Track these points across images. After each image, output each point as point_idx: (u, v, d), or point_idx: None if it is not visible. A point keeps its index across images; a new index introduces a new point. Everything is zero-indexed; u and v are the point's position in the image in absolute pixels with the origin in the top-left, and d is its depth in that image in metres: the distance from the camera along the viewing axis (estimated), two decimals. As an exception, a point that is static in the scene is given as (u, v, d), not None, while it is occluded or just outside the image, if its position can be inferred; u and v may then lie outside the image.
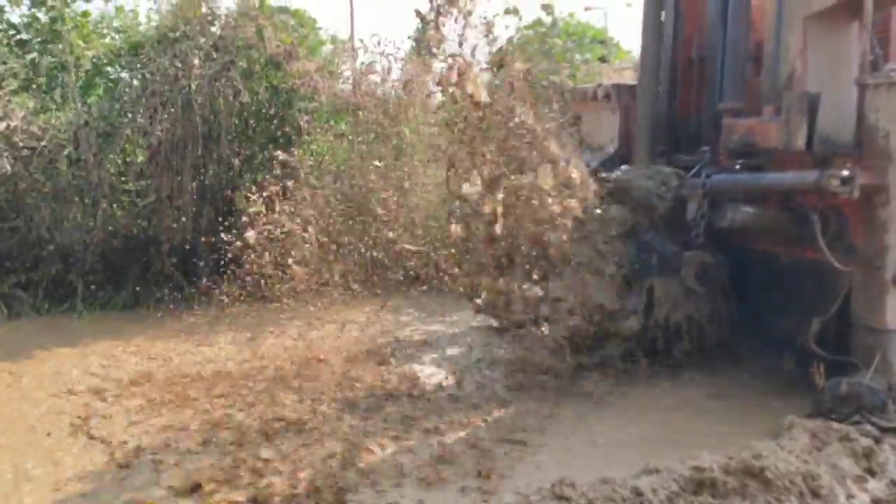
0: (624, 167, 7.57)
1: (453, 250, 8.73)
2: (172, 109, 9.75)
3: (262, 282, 8.86)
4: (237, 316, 8.66)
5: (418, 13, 7.21)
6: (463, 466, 5.20)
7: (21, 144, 9.59)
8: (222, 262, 8.77)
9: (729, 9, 7.29)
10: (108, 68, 10.84)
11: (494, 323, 8.26)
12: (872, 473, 4.97)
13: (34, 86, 10.36)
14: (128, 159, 10.13)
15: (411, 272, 9.90)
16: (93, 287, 9.41)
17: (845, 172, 5.74)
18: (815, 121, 6.12)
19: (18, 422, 6.15)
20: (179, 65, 9.83)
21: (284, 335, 8.30)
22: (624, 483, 4.43)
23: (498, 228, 6.93)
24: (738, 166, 6.81)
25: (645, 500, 4.34)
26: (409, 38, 16.21)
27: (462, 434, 5.79)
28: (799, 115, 6.16)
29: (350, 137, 10.63)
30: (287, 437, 5.66)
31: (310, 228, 8.96)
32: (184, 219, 9.71)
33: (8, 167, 9.35)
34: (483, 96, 6.81)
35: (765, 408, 6.14)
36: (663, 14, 7.93)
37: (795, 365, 6.55)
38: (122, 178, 10.09)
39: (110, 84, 10.75)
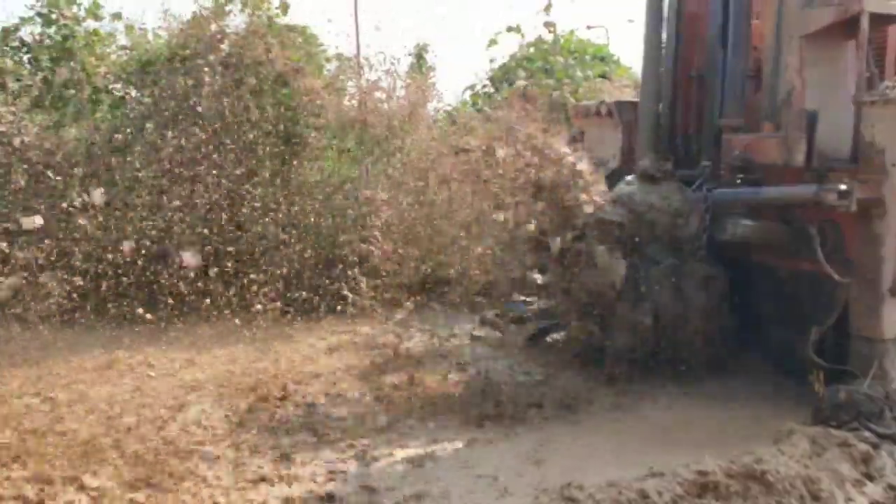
0: (629, 178, 7.72)
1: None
2: (182, 126, 9.94)
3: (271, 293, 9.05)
4: (249, 328, 8.78)
5: None
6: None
7: (34, 160, 9.77)
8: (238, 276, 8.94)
9: (729, 30, 7.47)
10: (117, 85, 11.02)
11: (498, 334, 8.44)
12: (870, 478, 5.10)
13: (46, 102, 10.55)
14: (138, 175, 10.28)
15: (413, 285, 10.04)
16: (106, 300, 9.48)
17: (843, 186, 5.90)
18: (813, 137, 6.30)
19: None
20: (189, 82, 10.01)
21: (294, 347, 8.41)
22: (630, 486, 4.56)
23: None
24: (738, 181, 6.99)
25: (650, 502, 4.47)
26: (409, 55, 16.48)
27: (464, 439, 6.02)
28: (798, 131, 6.34)
29: (354, 153, 10.81)
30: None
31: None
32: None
33: (22, 182, 9.52)
34: None
35: (765, 415, 6.28)
36: (664, 34, 8.12)
37: (795, 374, 6.69)
38: (133, 193, 10.23)
39: (119, 101, 10.94)
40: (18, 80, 10.34)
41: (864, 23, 6.18)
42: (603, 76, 14.75)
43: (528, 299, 8.96)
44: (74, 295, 8.97)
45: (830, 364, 6.30)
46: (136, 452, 5.65)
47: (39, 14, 11.12)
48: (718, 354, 7.22)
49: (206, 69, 9.94)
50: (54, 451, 5.64)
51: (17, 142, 9.61)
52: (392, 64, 11.20)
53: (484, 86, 16.59)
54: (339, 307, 9.46)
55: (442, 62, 18.45)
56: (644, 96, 8.11)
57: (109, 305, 9.09)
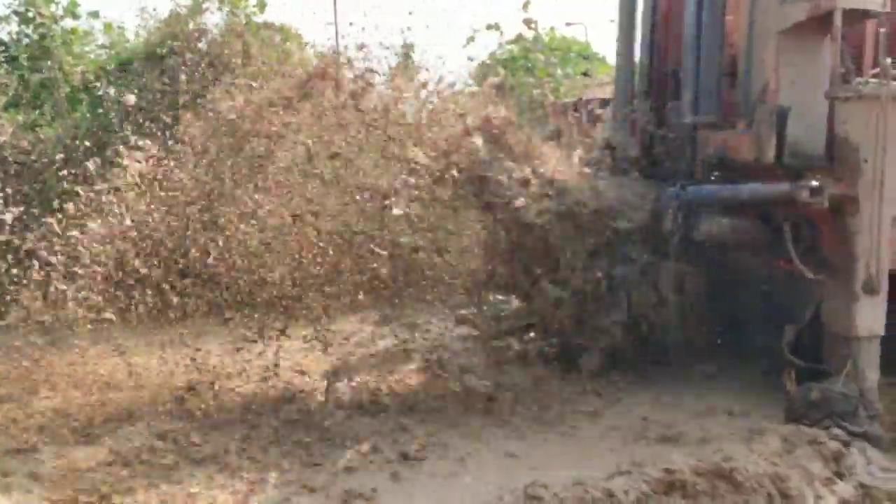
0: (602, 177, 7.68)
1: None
2: (160, 124, 9.86)
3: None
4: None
5: None
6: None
7: (11, 159, 9.70)
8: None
9: (703, 25, 7.42)
10: (96, 84, 10.96)
11: (475, 333, 8.37)
12: (841, 476, 5.09)
13: (23, 101, 10.48)
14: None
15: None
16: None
17: (814, 183, 5.87)
18: (784, 133, 6.27)
19: None
20: (167, 80, 9.95)
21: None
22: (596, 484, 4.54)
23: None
24: (712, 178, 6.96)
25: (616, 501, 4.46)
26: (395, 54, 16.38)
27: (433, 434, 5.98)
28: (769, 128, 6.31)
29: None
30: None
31: None
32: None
33: (-1, 182, 9.46)
34: None
35: (738, 413, 6.27)
36: (638, 31, 8.09)
37: (770, 372, 6.67)
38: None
39: (96, 99, 10.87)
40: (-6, 78, 10.29)
41: (838, 18, 6.14)
42: (585, 74, 14.73)
43: (504, 298, 8.88)
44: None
45: (807, 362, 6.29)
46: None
47: (16, 12, 11.04)
48: (694, 353, 7.18)
49: (183, 67, 9.87)
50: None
51: (-8, 141, 9.55)
52: (369, 61, 11.09)
53: (468, 85, 16.52)
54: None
55: (425, 60, 18.25)
56: (618, 93, 8.08)
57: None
